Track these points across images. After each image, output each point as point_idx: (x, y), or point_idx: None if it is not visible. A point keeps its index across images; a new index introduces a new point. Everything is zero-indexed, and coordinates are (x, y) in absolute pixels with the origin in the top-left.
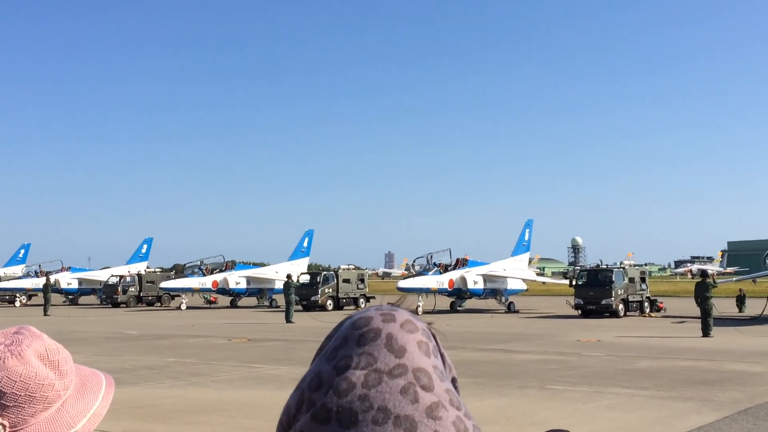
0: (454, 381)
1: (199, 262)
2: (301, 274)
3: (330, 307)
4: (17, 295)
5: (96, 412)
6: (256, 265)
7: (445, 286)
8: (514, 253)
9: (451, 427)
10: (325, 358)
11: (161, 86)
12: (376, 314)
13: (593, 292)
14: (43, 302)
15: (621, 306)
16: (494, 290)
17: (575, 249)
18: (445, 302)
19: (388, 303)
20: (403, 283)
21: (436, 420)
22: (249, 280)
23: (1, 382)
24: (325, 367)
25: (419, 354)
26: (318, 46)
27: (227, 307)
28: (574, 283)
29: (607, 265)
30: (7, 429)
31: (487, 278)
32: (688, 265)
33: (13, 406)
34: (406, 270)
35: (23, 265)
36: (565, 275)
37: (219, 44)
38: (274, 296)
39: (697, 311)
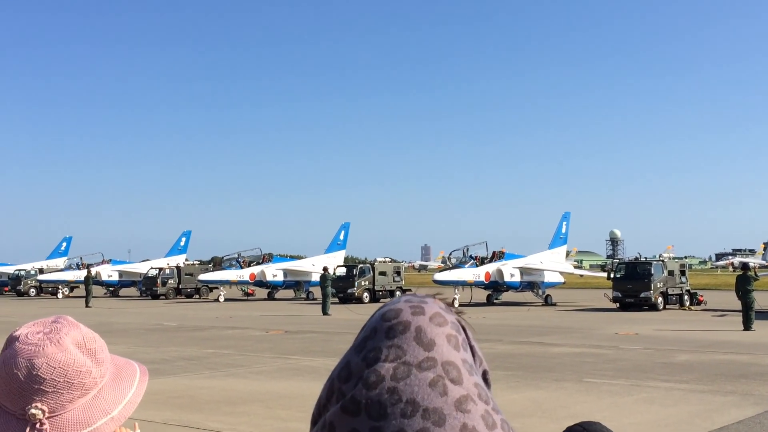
0: (485, 374)
1: (236, 255)
2: (338, 266)
3: (366, 300)
4: (60, 287)
5: (131, 400)
6: (293, 257)
7: (482, 278)
8: (552, 245)
9: (479, 421)
10: (355, 349)
11: (198, 83)
12: (406, 306)
13: (632, 284)
14: (84, 294)
15: (660, 299)
16: (531, 283)
17: (614, 242)
18: (481, 295)
19: (404, 290)
20: (439, 276)
21: (464, 413)
22: (286, 272)
23: (41, 369)
24: (354, 359)
25: (448, 347)
26: (355, 40)
27: (264, 300)
28: (612, 275)
29: (645, 258)
30: (46, 414)
31: (524, 271)
32: (730, 257)
33: (52, 391)
34: (442, 263)
35: (65, 258)
36: (603, 268)
37: (261, 39)
38: (310, 288)
39: (738, 304)
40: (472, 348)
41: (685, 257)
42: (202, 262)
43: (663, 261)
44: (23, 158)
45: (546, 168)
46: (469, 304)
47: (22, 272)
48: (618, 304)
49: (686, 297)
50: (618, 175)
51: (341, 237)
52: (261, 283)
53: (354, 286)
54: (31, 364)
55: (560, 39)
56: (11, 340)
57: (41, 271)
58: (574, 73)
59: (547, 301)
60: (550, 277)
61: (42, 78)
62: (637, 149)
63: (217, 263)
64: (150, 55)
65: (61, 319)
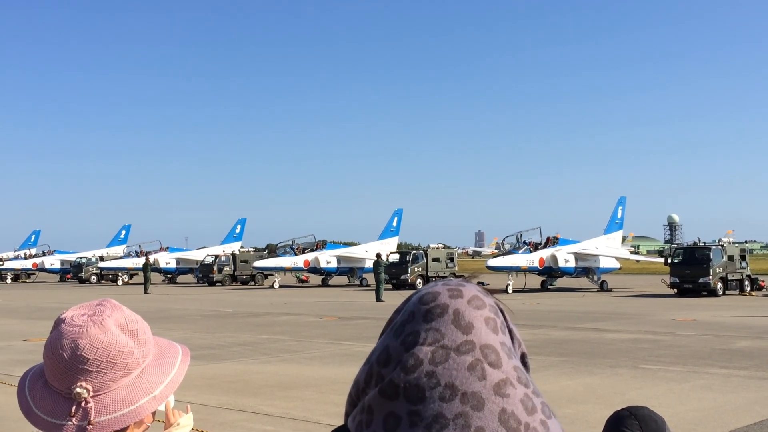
0: (523, 357)
1: (291, 242)
2: (391, 253)
3: (419, 286)
4: (119, 274)
5: (173, 380)
6: (346, 244)
7: (536, 264)
8: (607, 231)
9: (518, 405)
10: (393, 332)
11: (249, 78)
12: (443, 289)
13: (690, 270)
14: (143, 281)
15: (719, 284)
16: (586, 269)
17: (671, 226)
18: (535, 281)
19: (456, 276)
20: (493, 262)
21: (503, 397)
22: (339, 259)
23: (85, 349)
24: (393, 343)
25: (486, 330)
26: (409, 32)
27: (318, 286)
28: (669, 261)
29: (704, 243)
30: (91, 393)
31: (578, 256)
32: None
33: (96, 371)
34: (496, 249)
35: (124, 246)
36: (660, 253)
37: (305, 35)
38: (364, 275)
39: None
40: (510, 331)
41: (746, 242)
42: (257, 249)
43: (722, 246)
44: (87, 151)
45: (601, 152)
46: (523, 290)
47: (84, 260)
48: (676, 290)
49: (747, 282)
50: (676, 157)
51: (394, 223)
52: (315, 269)
53: (407, 273)
54: (75, 344)
55: (614, 14)
56: (58, 323)
57: (102, 258)
58: (629, 51)
59: (603, 287)
60: (605, 263)
61: (110, 73)
62: (695, 131)
63: (272, 250)
64: (212, 50)
65: (105, 302)
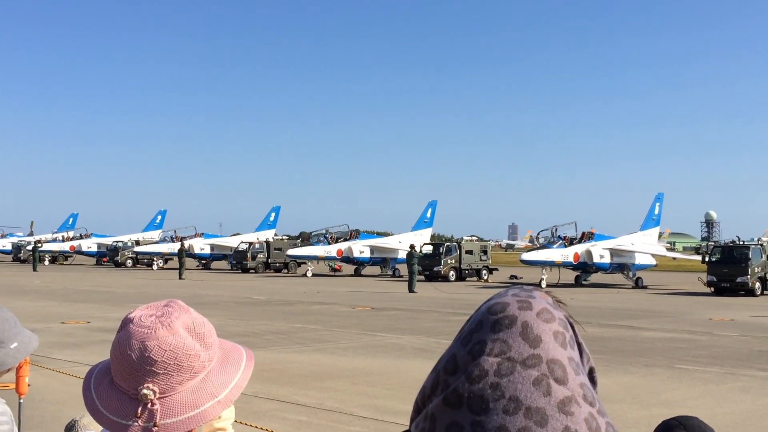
0: (591, 372)
1: (324, 231)
2: (424, 244)
3: (452, 278)
4: (155, 258)
5: (237, 384)
6: (379, 234)
7: (570, 259)
8: (643, 227)
9: (582, 424)
10: (461, 341)
11: (289, 67)
12: (513, 300)
13: (727, 269)
14: (178, 266)
15: (758, 284)
16: (621, 265)
17: (709, 224)
18: (569, 276)
19: (521, 285)
20: (527, 256)
21: (567, 415)
22: (373, 249)
23: (153, 351)
24: (460, 351)
25: (555, 345)
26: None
27: (351, 276)
28: (707, 259)
29: (743, 241)
30: (157, 395)
31: (614, 252)
32: None
33: (163, 373)
34: (529, 242)
35: (160, 231)
36: (697, 251)
37: (343, 29)
38: (397, 266)
39: None
40: (579, 345)
41: None
42: (290, 237)
43: (762, 245)
44: (126, 136)
45: (638, 147)
46: (557, 285)
47: (120, 244)
48: (712, 289)
49: None
50: (715, 154)
51: (428, 215)
52: (348, 259)
53: (440, 264)
54: (144, 345)
55: (662, 4)
56: (126, 322)
57: (137, 243)
58: (670, 45)
59: (638, 284)
60: (641, 259)
61: (149, 62)
62: (736, 127)
63: (306, 238)
64: (244, 43)
65: (173, 303)
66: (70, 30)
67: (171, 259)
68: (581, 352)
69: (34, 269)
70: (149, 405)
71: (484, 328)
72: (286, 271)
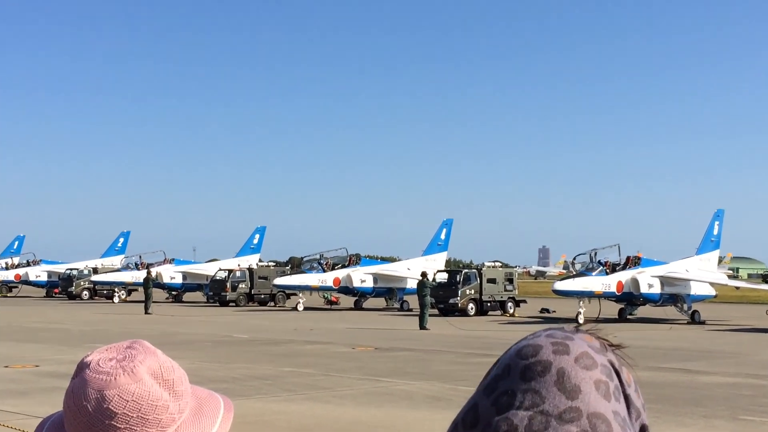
0: (643, 430)
1: (318, 256)
2: (438, 271)
3: (471, 312)
4: (116, 289)
5: None
6: (384, 260)
7: (613, 289)
8: (700, 251)
9: None
10: (484, 389)
11: (270, 68)
12: (547, 342)
13: None
14: (144, 298)
15: None
16: (674, 296)
17: None
18: (612, 309)
19: (563, 328)
20: (561, 285)
21: None
22: (376, 277)
23: (112, 401)
24: (483, 402)
25: (596, 396)
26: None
27: (350, 309)
28: None
29: None
30: None
31: (664, 281)
32: None
33: (125, 427)
34: (564, 269)
35: (122, 256)
36: (764, 278)
37: (340, 36)
38: (405, 297)
39: None
40: (627, 397)
41: None
42: (278, 264)
43: None
44: (81, 147)
45: (694, 158)
46: (597, 320)
47: (74, 272)
48: None
49: None
50: None
51: (442, 236)
52: (347, 289)
53: (457, 296)
54: (102, 395)
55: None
56: (82, 367)
57: (95, 270)
58: (728, 45)
59: (695, 319)
60: (697, 289)
61: (109, 63)
62: None
63: (296, 265)
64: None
65: (137, 345)
66: (15, 27)
67: (135, 290)
68: (628, 406)
69: None
70: None
71: (513, 375)
72: (272, 304)
